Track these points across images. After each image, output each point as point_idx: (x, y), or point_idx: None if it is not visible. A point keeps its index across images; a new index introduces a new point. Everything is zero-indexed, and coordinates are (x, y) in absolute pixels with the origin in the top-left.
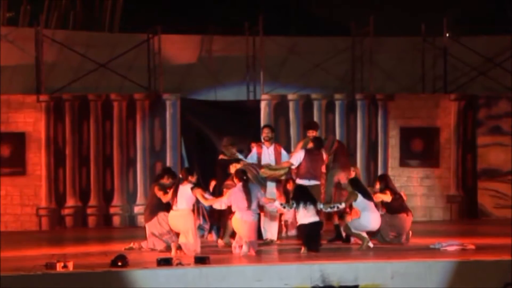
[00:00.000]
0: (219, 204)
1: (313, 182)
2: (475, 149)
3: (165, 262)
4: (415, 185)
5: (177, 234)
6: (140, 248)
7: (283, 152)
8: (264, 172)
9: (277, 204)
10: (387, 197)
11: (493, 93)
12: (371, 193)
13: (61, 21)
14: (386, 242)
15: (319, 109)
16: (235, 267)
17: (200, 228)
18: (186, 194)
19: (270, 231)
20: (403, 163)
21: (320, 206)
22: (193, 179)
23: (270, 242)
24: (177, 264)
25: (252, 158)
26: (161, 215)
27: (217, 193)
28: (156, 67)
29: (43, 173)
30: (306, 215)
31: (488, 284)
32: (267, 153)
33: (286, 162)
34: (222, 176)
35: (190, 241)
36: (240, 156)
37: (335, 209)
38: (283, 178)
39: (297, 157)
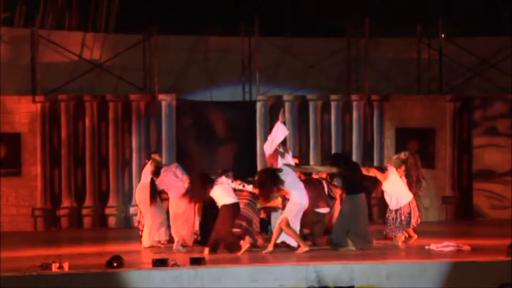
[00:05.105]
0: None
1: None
2: (470, 150)
3: (161, 263)
4: None
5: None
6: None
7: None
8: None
9: None
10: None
11: (488, 94)
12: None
13: (56, 22)
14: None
15: (315, 110)
16: (230, 268)
17: None
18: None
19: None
20: None
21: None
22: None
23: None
24: (172, 265)
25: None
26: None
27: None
28: (151, 68)
29: (38, 173)
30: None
31: (483, 285)
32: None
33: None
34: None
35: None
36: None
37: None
38: None
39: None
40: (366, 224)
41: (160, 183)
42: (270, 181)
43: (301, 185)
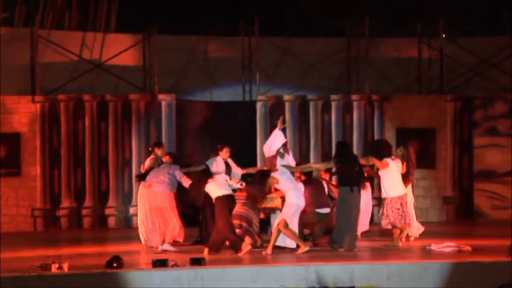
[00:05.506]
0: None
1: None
2: (471, 150)
3: (161, 263)
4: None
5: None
6: None
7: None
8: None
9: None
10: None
11: (489, 94)
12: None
13: (56, 22)
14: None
15: (315, 110)
16: (231, 269)
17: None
18: None
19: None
20: None
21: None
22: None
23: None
24: (172, 265)
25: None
26: None
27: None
28: (151, 68)
29: (38, 173)
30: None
31: (483, 285)
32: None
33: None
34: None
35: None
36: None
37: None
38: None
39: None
40: (349, 220)
41: (150, 176)
42: (258, 183)
43: (297, 185)
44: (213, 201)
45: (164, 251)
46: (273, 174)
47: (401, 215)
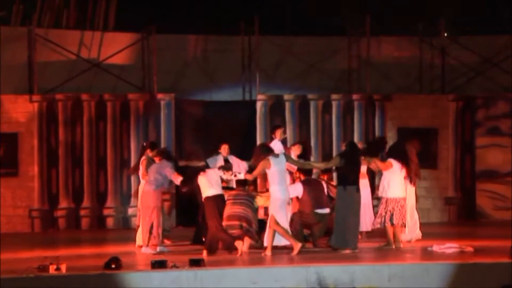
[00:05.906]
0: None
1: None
2: (473, 150)
3: (159, 265)
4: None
5: None
6: None
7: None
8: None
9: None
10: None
11: (491, 93)
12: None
13: (54, 20)
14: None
15: (316, 110)
16: (230, 270)
17: None
18: None
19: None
20: None
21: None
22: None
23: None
24: (171, 267)
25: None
26: None
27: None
28: (150, 67)
29: (36, 174)
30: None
31: (485, 286)
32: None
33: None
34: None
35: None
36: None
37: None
38: None
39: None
40: (347, 219)
41: (143, 172)
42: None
43: (283, 180)
44: (203, 200)
45: (161, 252)
46: (269, 157)
47: (390, 218)
